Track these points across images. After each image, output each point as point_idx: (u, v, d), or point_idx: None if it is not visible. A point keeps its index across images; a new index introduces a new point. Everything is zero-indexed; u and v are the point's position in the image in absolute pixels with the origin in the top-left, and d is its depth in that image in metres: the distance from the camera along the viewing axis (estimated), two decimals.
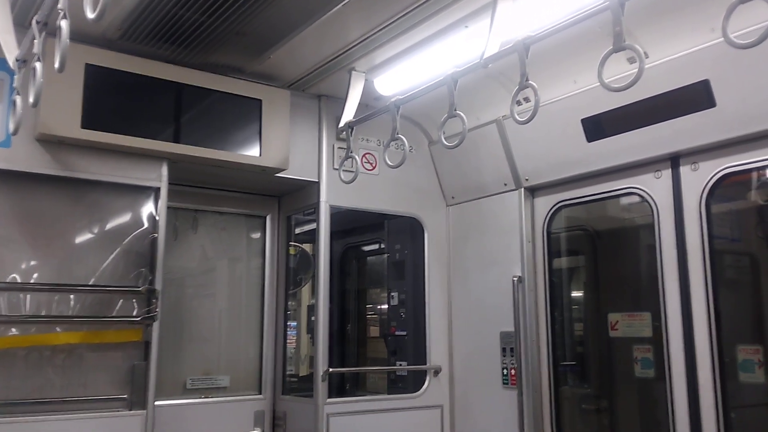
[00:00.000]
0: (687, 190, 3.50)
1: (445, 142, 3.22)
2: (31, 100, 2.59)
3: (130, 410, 3.53)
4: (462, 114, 3.10)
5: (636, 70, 2.43)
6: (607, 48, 2.49)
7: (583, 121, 3.82)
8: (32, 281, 3.46)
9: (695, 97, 3.28)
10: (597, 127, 3.79)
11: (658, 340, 3.60)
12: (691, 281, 3.43)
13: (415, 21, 3.47)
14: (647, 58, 3.22)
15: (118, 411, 3.51)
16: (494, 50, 3.01)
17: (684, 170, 3.53)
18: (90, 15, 2.00)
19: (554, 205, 4.26)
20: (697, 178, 3.45)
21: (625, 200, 4.09)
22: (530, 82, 2.74)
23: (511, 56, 2.92)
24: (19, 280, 3.40)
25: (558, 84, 3.86)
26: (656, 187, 3.65)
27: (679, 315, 3.46)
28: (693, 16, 3.20)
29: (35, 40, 2.62)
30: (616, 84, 2.51)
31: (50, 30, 2.61)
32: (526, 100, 3.91)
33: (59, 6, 2.27)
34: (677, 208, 3.53)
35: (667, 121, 3.43)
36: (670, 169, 3.59)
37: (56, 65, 2.23)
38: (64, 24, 2.24)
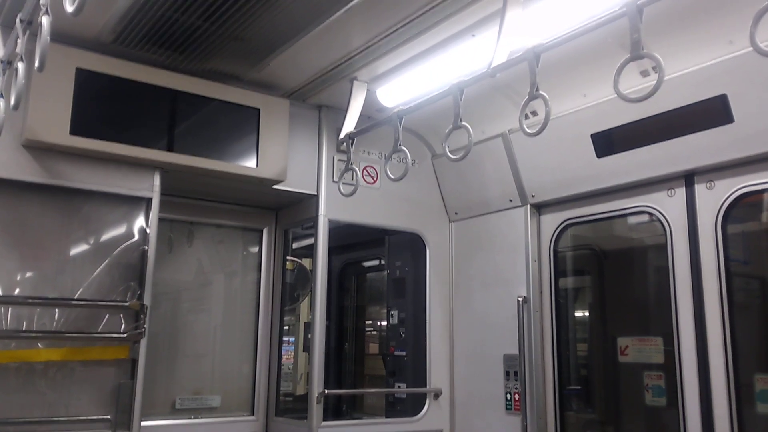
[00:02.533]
0: (702, 210, 3.38)
1: (450, 155, 3.08)
2: (12, 102, 2.45)
3: None
4: (467, 125, 2.96)
5: (648, 83, 2.30)
6: (618, 60, 2.35)
7: (593, 136, 3.72)
8: (14, 294, 3.29)
9: (712, 113, 3.17)
10: (607, 143, 3.69)
11: (670, 367, 3.45)
12: (706, 305, 3.30)
13: (420, 29, 3.36)
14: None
15: None
16: (503, 59, 2.87)
17: (699, 189, 3.41)
18: (69, 9, 1.87)
19: (561, 223, 4.14)
20: (713, 197, 3.33)
21: (634, 219, 3.94)
22: (541, 92, 2.60)
23: (518, 68, 2.79)
24: (0, 293, 3.24)
25: (567, 98, 3.76)
26: (669, 206, 3.53)
27: (693, 340, 3.32)
28: (710, 28, 3.09)
29: (19, 40, 2.49)
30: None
31: (36, 30, 2.48)
32: (534, 113, 3.82)
33: (41, 2, 2.14)
34: (691, 229, 3.41)
35: (682, 138, 3.33)
36: (684, 188, 3.48)
37: (36, 65, 2.10)
38: (45, 21, 2.11)
